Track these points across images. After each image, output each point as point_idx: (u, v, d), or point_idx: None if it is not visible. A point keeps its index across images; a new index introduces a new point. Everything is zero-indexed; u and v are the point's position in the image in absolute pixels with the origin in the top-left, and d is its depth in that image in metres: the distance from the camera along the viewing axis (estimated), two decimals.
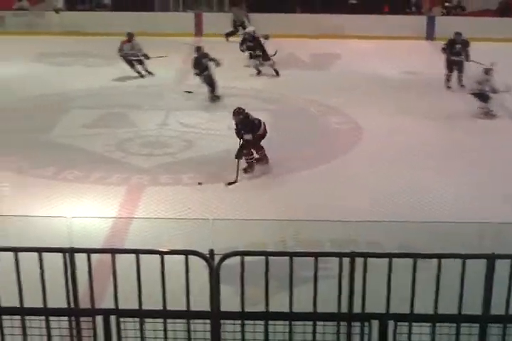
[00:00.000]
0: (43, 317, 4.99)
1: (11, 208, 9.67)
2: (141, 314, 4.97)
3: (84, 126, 14.19)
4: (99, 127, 14.12)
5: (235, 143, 11.25)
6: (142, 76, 18.00)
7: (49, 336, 5.04)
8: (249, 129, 11.26)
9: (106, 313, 5.00)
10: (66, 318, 5.06)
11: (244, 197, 10.55)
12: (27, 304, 5.00)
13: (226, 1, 26.42)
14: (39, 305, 5.01)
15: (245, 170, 11.37)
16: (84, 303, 5.10)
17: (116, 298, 5.01)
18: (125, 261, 5.11)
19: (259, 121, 11.51)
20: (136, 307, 4.97)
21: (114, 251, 5.05)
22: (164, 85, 17.40)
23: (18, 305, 4.96)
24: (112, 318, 5.01)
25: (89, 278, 5.03)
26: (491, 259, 4.96)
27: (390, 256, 4.93)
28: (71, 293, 5.01)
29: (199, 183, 11.03)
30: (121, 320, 5.02)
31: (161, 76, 18.10)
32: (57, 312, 4.98)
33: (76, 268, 4.98)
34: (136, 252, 4.93)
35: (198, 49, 16.02)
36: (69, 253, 4.94)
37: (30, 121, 14.42)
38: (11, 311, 4.96)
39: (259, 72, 18.34)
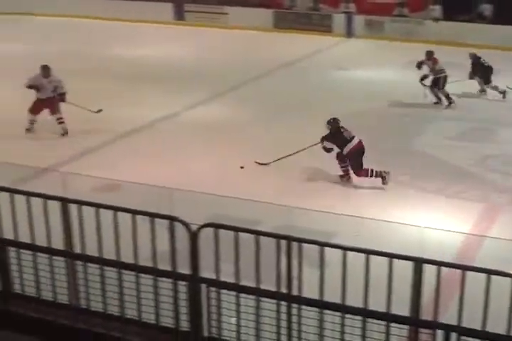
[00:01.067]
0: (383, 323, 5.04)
1: (370, 211, 9.91)
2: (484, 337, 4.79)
3: (447, 137, 14.08)
4: (462, 140, 13.93)
5: None
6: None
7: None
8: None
9: (447, 329, 4.89)
10: (405, 326, 5.05)
11: None
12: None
13: None
14: (382, 308, 5.05)
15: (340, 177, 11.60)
16: (425, 315, 5.05)
17: (460, 315, 4.88)
18: (472, 279, 4.95)
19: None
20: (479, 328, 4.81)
21: (464, 268, 4.92)
22: None
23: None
24: (453, 335, 4.88)
25: (435, 291, 4.96)
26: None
27: None
28: (414, 303, 4.99)
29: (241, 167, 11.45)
30: (462, 338, 4.87)
31: None
32: (398, 319, 4.98)
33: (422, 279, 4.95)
34: (488, 272, 4.75)
35: None
36: (418, 263, 4.92)
37: (393, 128, 14.72)
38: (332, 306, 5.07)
39: None
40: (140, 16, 27.64)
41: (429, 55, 16.60)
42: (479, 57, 17.27)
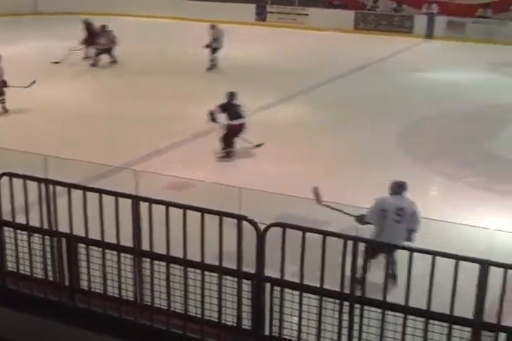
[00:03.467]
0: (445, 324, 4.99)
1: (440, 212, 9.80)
2: None
3: None
4: None
5: None
6: None
7: None
8: None
9: (510, 331, 4.83)
10: (469, 329, 4.99)
11: None
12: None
13: None
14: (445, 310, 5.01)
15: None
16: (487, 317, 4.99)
17: None
18: None
19: None
20: None
21: None
22: None
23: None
24: None
25: (501, 294, 4.89)
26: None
27: None
28: (478, 305, 4.93)
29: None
30: None
31: None
32: (461, 321, 4.93)
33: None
34: None
35: None
36: (485, 265, 4.86)
37: (474, 128, 14.50)
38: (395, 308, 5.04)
39: None
40: (223, 17, 27.95)
41: None
42: None
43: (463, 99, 16.66)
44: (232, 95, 12.62)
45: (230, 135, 12.53)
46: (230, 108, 12.47)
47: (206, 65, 19.80)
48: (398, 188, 8.02)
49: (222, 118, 12.49)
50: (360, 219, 8.13)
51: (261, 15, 29.24)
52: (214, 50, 19.84)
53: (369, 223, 7.98)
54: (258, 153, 12.70)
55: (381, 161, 12.24)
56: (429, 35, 25.75)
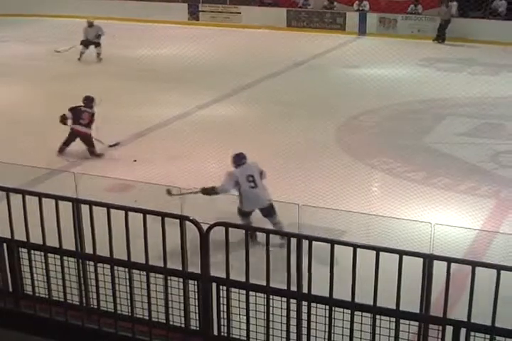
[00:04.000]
0: (392, 319, 5.04)
1: (380, 208, 9.94)
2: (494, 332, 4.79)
3: (459, 134, 14.08)
4: (474, 136, 13.93)
5: None
6: None
7: (396, 338, 5.08)
8: None
9: (456, 325, 4.90)
10: (416, 323, 5.05)
11: None
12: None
13: None
14: (392, 305, 5.06)
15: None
16: (433, 311, 5.05)
17: (470, 311, 4.87)
18: (482, 275, 4.95)
19: None
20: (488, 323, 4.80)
21: (474, 264, 4.91)
22: None
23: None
24: (462, 331, 4.89)
25: (445, 287, 4.96)
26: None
27: None
28: (424, 299, 4.99)
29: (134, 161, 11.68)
30: (472, 334, 4.88)
31: None
32: (408, 316, 4.99)
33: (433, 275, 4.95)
34: (497, 268, 4.74)
35: None
36: (428, 259, 4.92)
37: (406, 124, 14.73)
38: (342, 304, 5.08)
39: None
40: (155, 17, 27.76)
41: None
42: None
43: (398, 94, 16.87)
44: (85, 99, 12.90)
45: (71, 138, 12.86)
46: (76, 112, 12.75)
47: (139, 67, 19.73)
48: (240, 160, 9.31)
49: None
50: (208, 192, 9.25)
51: (193, 15, 29.13)
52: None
53: (217, 194, 9.19)
54: (197, 153, 12.66)
55: (320, 158, 12.30)
56: (362, 31, 26.05)
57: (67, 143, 12.85)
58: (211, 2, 28.91)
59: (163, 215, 5.33)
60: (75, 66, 20.72)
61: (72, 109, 12.75)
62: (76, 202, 5.53)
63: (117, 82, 18.43)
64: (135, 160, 12.44)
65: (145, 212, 5.36)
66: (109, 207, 5.44)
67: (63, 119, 12.67)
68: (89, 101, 12.86)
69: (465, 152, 12.95)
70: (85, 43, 21.49)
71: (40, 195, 5.58)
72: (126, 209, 5.38)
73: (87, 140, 12.78)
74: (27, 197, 5.59)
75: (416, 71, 19.46)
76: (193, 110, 15.72)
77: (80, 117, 12.71)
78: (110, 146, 12.98)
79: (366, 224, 8.85)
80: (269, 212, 9.13)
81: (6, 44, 24.12)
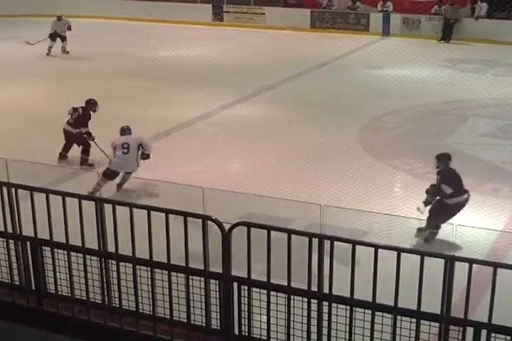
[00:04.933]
0: (413, 320, 5.04)
1: (402, 208, 9.90)
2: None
3: (482, 135, 14.01)
4: (497, 137, 13.86)
5: None
6: None
7: (417, 339, 5.07)
8: None
9: (477, 326, 4.88)
10: (436, 324, 5.04)
11: None
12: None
13: None
14: (412, 306, 5.05)
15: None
16: (454, 312, 5.04)
17: (491, 312, 4.86)
18: (504, 276, 4.93)
19: None
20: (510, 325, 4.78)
21: (495, 265, 4.90)
22: None
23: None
24: (483, 332, 4.87)
25: (467, 288, 4.95)
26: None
27: None
28: (445, 300, 4.98)
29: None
30: (493, 335, 4.86)
31: None
32: (429, 317, 4.98)
33: (454, 276, 4.93)
34: None
35: None
36: (450, 260, 4.90)
37: (429, 125, 14.68)
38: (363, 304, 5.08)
39: None
40: (180, 17, 27.87)
41: None
42: None
43: (421, 95, 16.83)
44: (88, 102, 12.75)
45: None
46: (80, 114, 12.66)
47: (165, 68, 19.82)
48: (123, 131, 11.46)
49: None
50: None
51: (218, 16, 29.22)
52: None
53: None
54: (220, 153, 12.71)
55: (342, 158, 12.31)
56: (385, 32, 25.98)
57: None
58: (235, 3, 28.97)
59: (185, 215, 5.34)
60: (100, 65, 20.85)
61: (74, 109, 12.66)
62: (99, 202, 5.57)
63: (141, 82, 18.52)
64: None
65: (168, 212, 5.39)
66: (131, 206, 5.47)
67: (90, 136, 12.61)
68: (91, 104, 12.71)
69: (488, 153, 12.88)
70: (53, 37, 22.61)
71: (64, 194, 5.62)
72: (149, 209, 5.41)
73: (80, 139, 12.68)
74: (50, 196, 5.63)
75: (439, 72, 19.38)
76: (216, 110, 15.76)
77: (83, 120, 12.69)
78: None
79: (388, 225, 8.85)
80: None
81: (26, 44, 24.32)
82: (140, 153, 11.29)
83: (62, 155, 12.81)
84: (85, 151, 12.66)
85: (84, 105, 12.69)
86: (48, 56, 22.45)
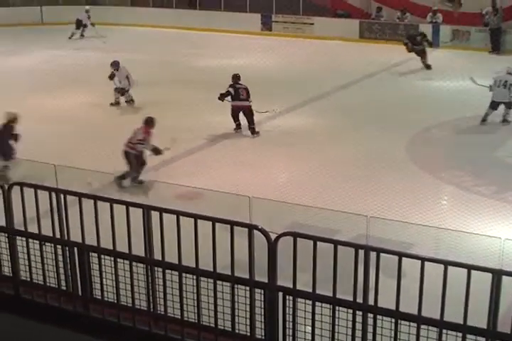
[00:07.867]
0: (459, 334, 4.98)
1: (447, 222, 9.81)
2: None
3: None
4: None
5: None
6: None
7: None
8: None
9: None
10: (482, 339, 4.97)
11: None
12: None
13: None
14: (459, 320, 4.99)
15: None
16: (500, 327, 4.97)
17: None
18: None
19: None
20: None
21: None
22: None
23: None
24: None
25: None
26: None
27: None
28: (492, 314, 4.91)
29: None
30: None
31: None
32: (476, 331, 4.91)
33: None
34: None
35: None
36: (497, 274, 4.84)
37: (477, 138, 14.55)
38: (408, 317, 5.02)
39: None
40: (228, 27, 28.07)
41: None
42: None
43: (471, 107, 16.63)
44: (234, 77, 15.39)
45: (232, 112, 14.92)
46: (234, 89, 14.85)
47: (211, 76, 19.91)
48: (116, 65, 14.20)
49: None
50: None
51: (266, 25, 29.33)
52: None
53: None
54: (267, 162, 12.73)
55: (390, 170, 12.23)
56: (435, 44, 25.75)
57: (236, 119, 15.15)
58: (284, 13, 29.04)
59: (232, 224, 5.35)
60: (152, 75, 20.98)
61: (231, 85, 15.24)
62: (147, 209, 5.61)
63: (191, 90, 18.65)
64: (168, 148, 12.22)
65: (214, 220, 5.40)
66: (178, 214, 5.50)
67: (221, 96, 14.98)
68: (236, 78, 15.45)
69: None
70: (78, 24, 26.81)
71: (111, 201, 5.67)
72: (196, 217, 5.43)
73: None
74: (98, 202, 5.69)
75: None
76: (263, 119, 15.79)
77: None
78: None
79: (435, 238, 8.76)
80: None
81: (83, 51, 24.71)
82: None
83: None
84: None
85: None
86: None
